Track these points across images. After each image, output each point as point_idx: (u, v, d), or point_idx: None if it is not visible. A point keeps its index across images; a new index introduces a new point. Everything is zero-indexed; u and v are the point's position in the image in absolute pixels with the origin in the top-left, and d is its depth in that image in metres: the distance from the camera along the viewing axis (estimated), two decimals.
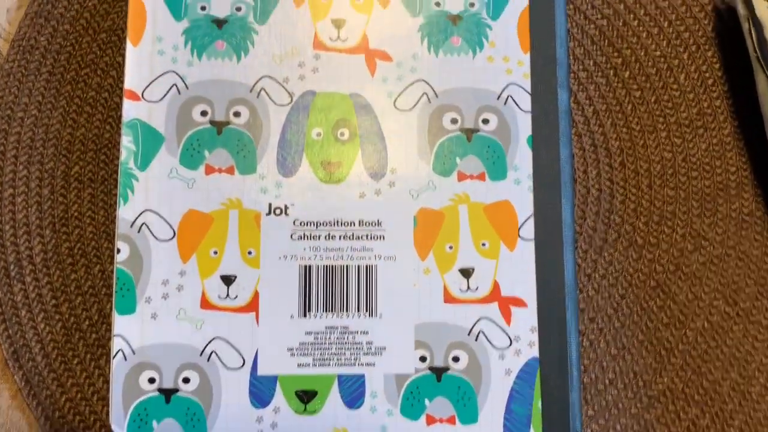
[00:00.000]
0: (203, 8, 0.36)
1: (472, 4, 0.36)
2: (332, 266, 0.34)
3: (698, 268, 0.36)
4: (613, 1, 0.39)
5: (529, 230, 0.35)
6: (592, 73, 0.38)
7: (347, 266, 0.34)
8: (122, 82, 0.38)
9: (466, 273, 0.34)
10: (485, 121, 0.36)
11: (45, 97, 0.37)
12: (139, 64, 0.35)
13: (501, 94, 0.36)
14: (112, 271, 0.36)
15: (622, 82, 0.38)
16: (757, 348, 0.35)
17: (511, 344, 0.34)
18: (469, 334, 0.34)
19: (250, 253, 0.34)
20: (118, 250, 0.33)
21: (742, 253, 0.36)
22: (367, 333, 0.34)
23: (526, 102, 0.36)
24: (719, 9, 0.38)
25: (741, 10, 0.35)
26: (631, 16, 0.39)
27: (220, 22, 0.36)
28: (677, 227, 0.37)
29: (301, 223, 0.34)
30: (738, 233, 0.37)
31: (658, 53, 0.38)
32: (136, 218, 0.34)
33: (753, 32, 0.35)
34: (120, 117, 0.38)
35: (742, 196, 0.37)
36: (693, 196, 0.37)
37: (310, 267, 0.34)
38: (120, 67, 0.38)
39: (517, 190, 0.35)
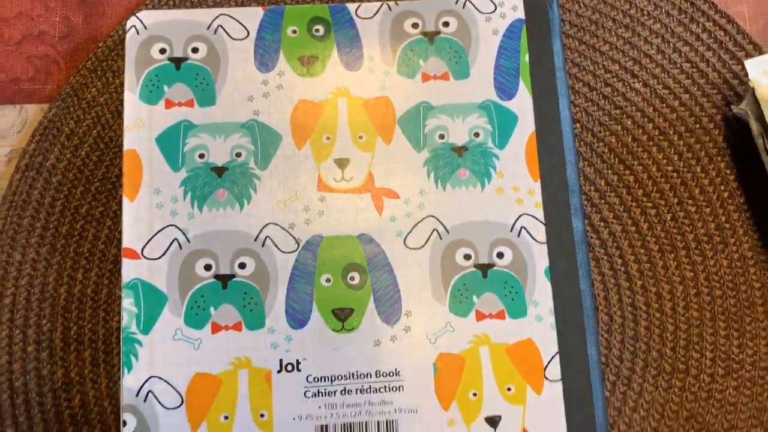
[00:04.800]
0: (201, 156, 0.35)
1: (476, 134, 0.35)
2: (350, 424, 0.32)
3: (731, 394, 0.35)
4: (621, 117, 0.38)
5: (555, 371, 0.33)
6: (605, 194, 0.37)
7: (366, 423, 0.32)
8: (118, 232, 0.36)
9: (493, 422, 0.32)
10: (500, 255, 0.34)
11: (39, 254, 0.36)
12: (136, 220, 0.34)
13: (513, 225, 0.35)
14: None
15: (636, 201, 0.37)
16: None
17: None
18: None
19: (262, 416, 0.32)
20: (125, 423, 0.31)
21: None
22: None
23: (540, 232, 0.34)
24: (729, 117, 0.38)
25: (755, 128, 0.35)
26: (640, 131, 0.38)
27: (219, 170, 0.35)
28: (706, 351, 0.35)
29: (314, 379, 0.33)
30: None
31: (670, 168, 0.37)
32: (142, 386, 0.32)
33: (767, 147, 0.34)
34: (117, 270, 0.36)
35: None
36: (719, 316, 0.36)
37: (326, 426, 0.32)
38: (116, 217, 0.37)
39: (539, 328, 0.33)
